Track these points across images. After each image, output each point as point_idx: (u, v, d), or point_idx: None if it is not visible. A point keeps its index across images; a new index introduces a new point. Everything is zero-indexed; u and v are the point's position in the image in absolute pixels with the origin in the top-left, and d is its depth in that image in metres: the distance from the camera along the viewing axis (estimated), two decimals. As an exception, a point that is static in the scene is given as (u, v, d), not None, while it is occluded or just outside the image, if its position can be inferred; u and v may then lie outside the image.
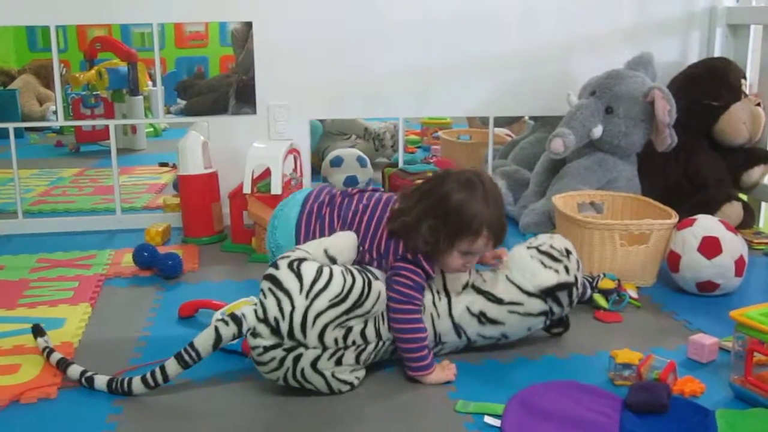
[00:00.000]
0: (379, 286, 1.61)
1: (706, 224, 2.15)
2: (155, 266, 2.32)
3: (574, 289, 1.78)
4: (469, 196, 1.63)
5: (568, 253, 1.81)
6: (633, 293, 2.09)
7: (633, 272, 2.18)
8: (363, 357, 1.60)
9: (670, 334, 1.90)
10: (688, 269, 2.12)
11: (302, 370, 1.53)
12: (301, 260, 1.57)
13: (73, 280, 2.28)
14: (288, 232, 1.77)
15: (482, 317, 1.73)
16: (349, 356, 1.57)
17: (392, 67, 2.86)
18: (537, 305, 1.75)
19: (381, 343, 1.63)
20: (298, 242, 1.74)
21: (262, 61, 2.79)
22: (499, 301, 1.73)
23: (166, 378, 1.56)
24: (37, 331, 1.79)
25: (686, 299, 2.14)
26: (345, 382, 1.58)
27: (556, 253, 1.79)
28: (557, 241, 1.83)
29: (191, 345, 1.56)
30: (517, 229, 2.71)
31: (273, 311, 1.52)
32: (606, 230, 2.17)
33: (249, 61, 2.80)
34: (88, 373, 1.61)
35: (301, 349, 1.52)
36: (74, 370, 1.63)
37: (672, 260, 2.15)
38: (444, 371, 1.66)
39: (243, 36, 2.80)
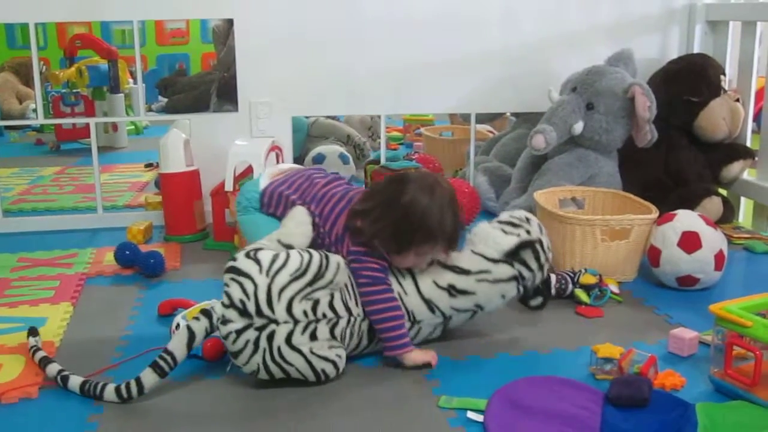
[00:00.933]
0: (337, 258, 1.63)
1: (686, 219, 2.16)
2: (137, 265, 2.31)
3: (539, 248, 1.79)
4: (432, 203, 1.65)
5: (528, 219, 1.83)
6: (614, 288, 2.11)
7: (614, 267, 2.20)
8: (337, 331, 1.61)
9: (651, 328, 1.92)
10: (668, 264, 2.13)
11: (279, 349, 1.53)
12: (257, 249, 1.61)
13: (55, 279, 2.27)
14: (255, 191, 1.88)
15: (452, 290, 1.73)
16: (323, 330, 1.58)
17: (374, 64, 2.86)
18: (505, 270, 1.76)
19: (353, 319, 1.64)
20: (263, 198, 1.86)
21: (243, 59, 2.79)
22: (466, 272, 1.74)
23: (141, 390, 1.54)
24: (32, 331, 1.78)
25: (667, 293, 2.15)
26: (326, 359, 1.58)
27: (515, 220, 1.82)
28: (516, 212, 1.86)
29: (165, 350, 1.55)
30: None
31: (237, 294, 1.53)
32: (587, 225, 2.18)
33: (230, 58, 2.79)
34: (64, 373, 1.60)
35: (272, 326, 1.53)
36: (52, 369, 1.62)
37: (652, 255, 2.17)
38: (425, 353, 1.68)
39: (224, 33, 2.80)
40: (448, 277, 1.74)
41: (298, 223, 1.73)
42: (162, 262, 2.30)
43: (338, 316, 1.61)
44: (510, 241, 1.76)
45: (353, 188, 1.83)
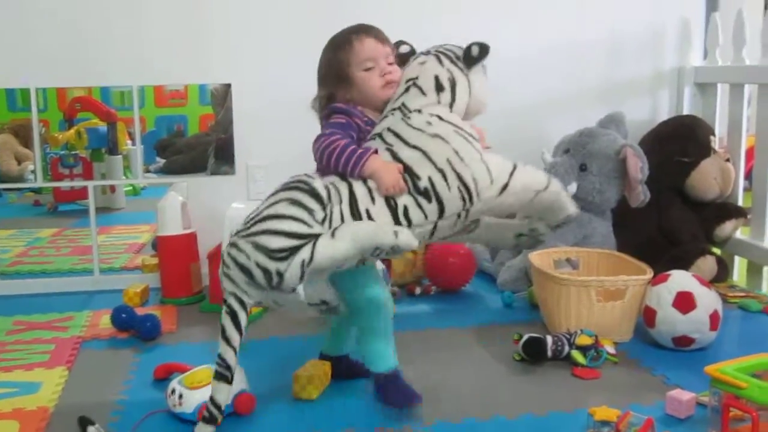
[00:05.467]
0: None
1: (680, 279, 2.18)
2: (133, 328, 2.31)
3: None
4: (334, 36, 1.82)
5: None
6: (610, 349, 2.11)
7: (610, 328, 2.20)
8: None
9: (648, 389, 1.91)
10: (663, 324, 2.14)
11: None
12: None
13: (50, 342, 2.27)
14: None
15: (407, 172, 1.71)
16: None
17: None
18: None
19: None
20: None
21: (240, 122, 2.83)
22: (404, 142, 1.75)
23: None
24: (86, 421, 1.71)
25: (663, 354, 2.15)
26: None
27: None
28: None
29: None
30: (494, 286, 2.74)
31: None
32: (582, 286, 2.19)
33: (228, 120, 2.83)
34: None
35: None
36: None
37: (648, 316, 2.18)
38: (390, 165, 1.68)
39: (222, 95, 2.84)
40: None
41: None
42: (158, 325, 2.30)
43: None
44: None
45: None
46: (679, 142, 2.85)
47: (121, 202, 4.25)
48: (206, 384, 1.74)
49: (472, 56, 1.79)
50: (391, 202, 1.67)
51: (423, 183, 1.68)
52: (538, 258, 2.40)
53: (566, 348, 2.07)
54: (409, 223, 1.67)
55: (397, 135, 1.72)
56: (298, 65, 2.81)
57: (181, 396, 1.73)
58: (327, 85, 1.81)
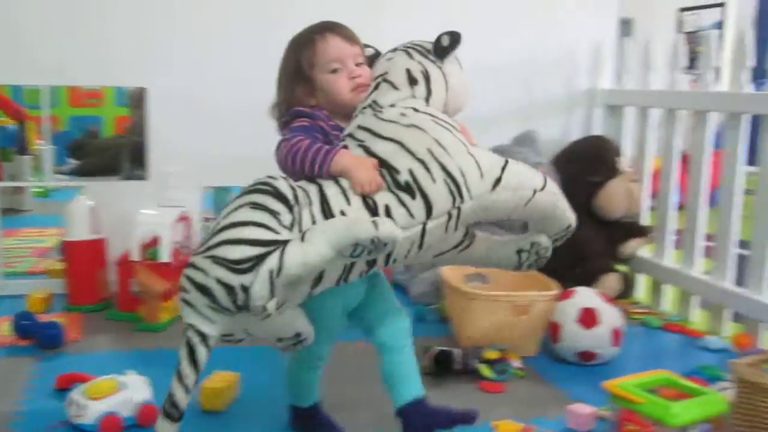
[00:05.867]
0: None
1: (585, 296, 2.25)
2: (35, 335, 2.24)
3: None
4: (296, 35, 1.68)
5: None
6: (517, 363, 2.15)
7: (517, 342, 2.24)
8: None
9: (551, 403, 1.96)
10: (567, 339, 2.20)
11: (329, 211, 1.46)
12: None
13: (-55, 349, 2.18)
14: None
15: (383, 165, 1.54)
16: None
17: (287, 136, 2.88)
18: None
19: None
20: None
21: (155, 127, 2.78)
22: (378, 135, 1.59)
23: None
24: None
25: (567, 369, 2.21)
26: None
27: None
28: None
29: None
30: (408, 298, 2.76)
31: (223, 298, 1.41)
32: (492, 301, 2.23)
33: (145, 123, 2.77)
34: None
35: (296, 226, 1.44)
36: None
37: (553, 331, 2.23)
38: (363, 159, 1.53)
39: (140, 97, 2.79)
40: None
41: None
42: (61, 333, 2.23)
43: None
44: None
45: None
46: (588, 162, 2.93)
47: (29, 203, 4.13)
48: (109, 395, 1.71)
49: (443, 46, 1.66)
50: (369, 202, 1.49)
51: (403, 176, 1.50)
52: (450, 272, 2.43)
53: (474, 361, 2.10)
54: None
55: (368, 130, 1.57)
56: (216, 72, 2.80)
57: (82, 407, 1.69)
58: (288, 90, 1.65)
